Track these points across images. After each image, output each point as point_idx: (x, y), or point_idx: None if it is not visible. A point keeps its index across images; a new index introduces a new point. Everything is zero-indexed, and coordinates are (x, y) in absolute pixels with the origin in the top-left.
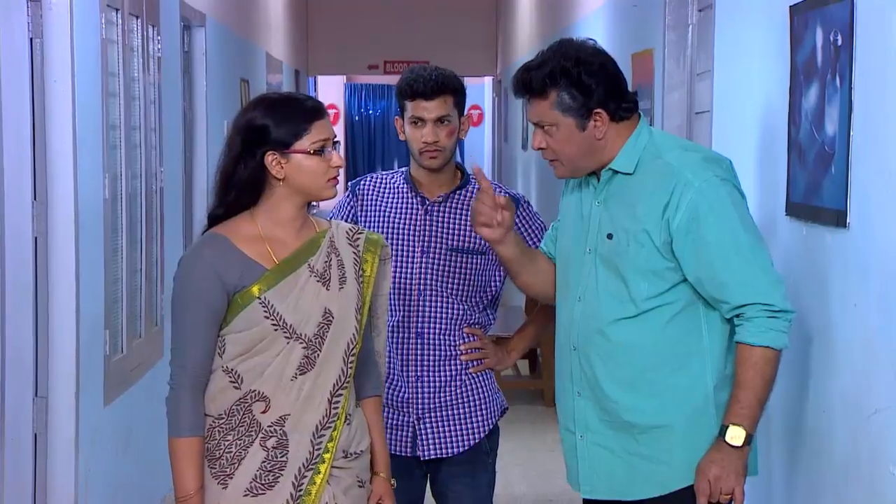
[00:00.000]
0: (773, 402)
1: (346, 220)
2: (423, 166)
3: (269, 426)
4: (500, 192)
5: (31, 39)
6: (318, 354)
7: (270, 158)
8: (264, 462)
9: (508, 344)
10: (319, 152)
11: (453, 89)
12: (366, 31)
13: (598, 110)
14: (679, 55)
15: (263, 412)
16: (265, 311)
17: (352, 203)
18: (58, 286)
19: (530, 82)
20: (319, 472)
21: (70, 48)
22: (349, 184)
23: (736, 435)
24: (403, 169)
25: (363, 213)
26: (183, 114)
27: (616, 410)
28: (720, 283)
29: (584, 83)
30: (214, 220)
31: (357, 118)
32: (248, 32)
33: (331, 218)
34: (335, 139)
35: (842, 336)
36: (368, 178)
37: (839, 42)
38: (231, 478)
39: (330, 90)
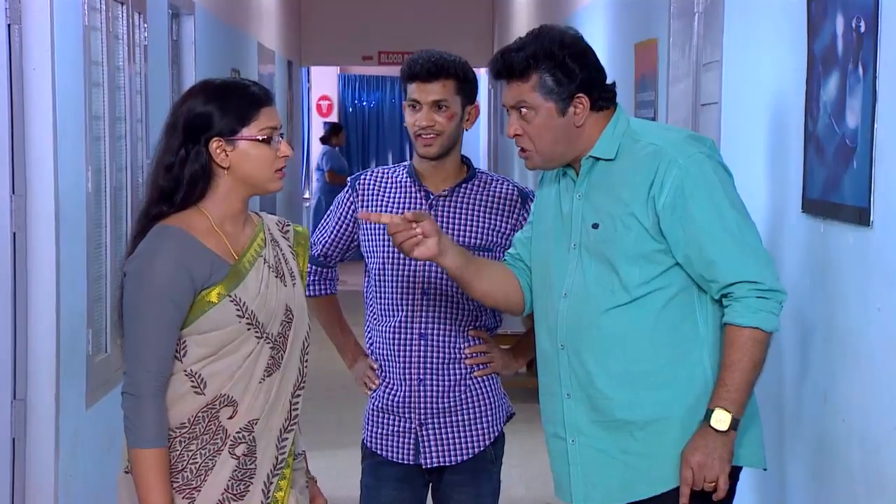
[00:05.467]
0: (790, 408)
1: (345, 216)
2: (420, 154)
3: (238, 432)
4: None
5: (10, 26)
6: (283, 354)
7: (215, 145)
8: (235, 471)
9: (516, 348)
10: (267, 140)
11: (454, 74)
12: (360, 21)
13: (580, 95)
14: (685, 44)
15: (230, 418)
16: (238, 310)
17: (351, 199)
18: (37, 283)
19: (511, 64)
20: (285, 478)
21: (50, 35)
22: (349, 179)
23: (721, 419)
24: (406, 163)
25: (364, 209)
26: (171, 105)
27: (610, 408)
28: (708, 260)
29: (568, 66)
30: (158, 218)
31: (351, 109)
32: (239, 21)
33: (329, 214)
34: (281, 129)
35: (864, 342)
36: (369, 173)
37: (862, 29)
38: (198, 490)
39: (323, 81)
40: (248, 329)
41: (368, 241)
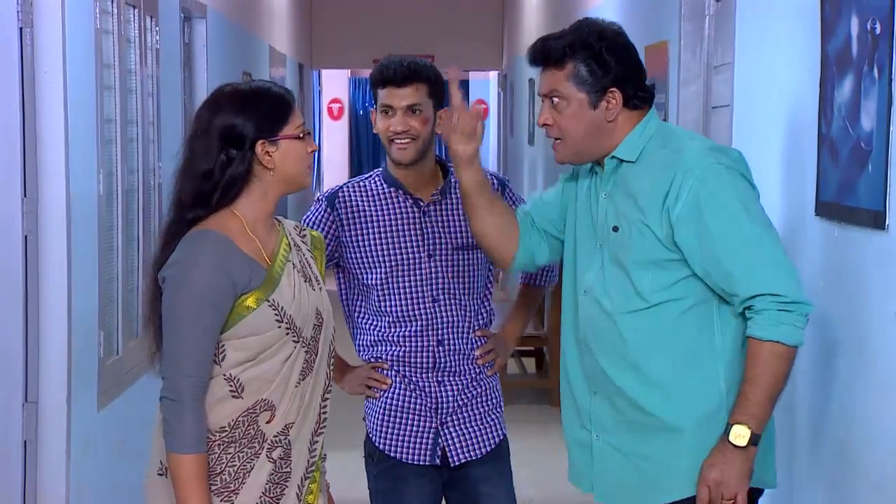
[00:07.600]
0: (803, 414)
1: (325, 236)
2: (394, 159)
3: (275, 436)
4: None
5: (21, 29)
6: (315, 358)
7: (261, 149)
8: (272, 474)
9: (504, 333)
10: (302, 137)
11: (426, 78)
12: (370, 24)
13: (613, 89)
14: (695, 47)
15: (268, 422)
16: (276, 315)
17: (331, 218)
18: (49, 286)
19: (549, 51)
20: (315, 481)
21: (62, 38)
22: (321, 197)
23: (740, 434)
24: (376, 171)
25: (350, 228)
26: (183, 108)
27: (626, 410)
28: (726, 273)
29: (604, 59)
30: (194, 222)
31: (361, 112)
32: (251, 25)
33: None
34: None
35: (880, 348)
36: (345, 189)
37: (877, 30)
38: (237, 494)
39: (334, 84)
40: (287, 334)
41: (365, 256)
